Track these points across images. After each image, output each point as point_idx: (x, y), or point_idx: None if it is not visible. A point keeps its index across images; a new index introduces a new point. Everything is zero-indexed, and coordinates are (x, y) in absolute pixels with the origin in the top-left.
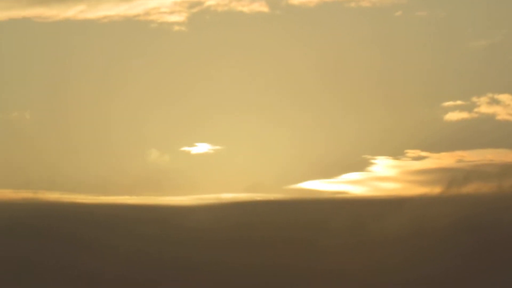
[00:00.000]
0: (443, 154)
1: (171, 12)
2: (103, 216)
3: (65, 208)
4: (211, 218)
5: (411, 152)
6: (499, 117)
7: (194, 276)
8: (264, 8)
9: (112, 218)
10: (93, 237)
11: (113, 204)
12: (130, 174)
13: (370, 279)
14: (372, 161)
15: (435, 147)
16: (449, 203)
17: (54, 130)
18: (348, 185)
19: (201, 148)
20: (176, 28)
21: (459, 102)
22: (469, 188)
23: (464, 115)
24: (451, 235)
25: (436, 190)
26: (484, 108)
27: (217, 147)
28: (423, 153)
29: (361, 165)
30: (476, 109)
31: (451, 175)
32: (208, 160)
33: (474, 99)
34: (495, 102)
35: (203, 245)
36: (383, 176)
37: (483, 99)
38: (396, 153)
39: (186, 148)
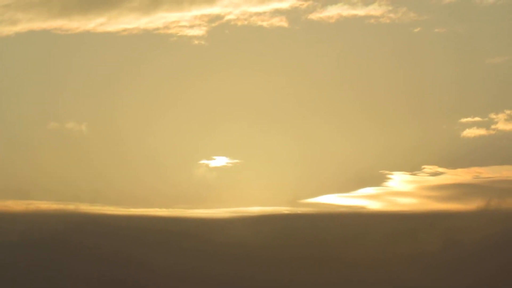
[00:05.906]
0: (459, 170)
1: (191, 26)
2: (135, 229)
3: (96, 220)
4: (244, 231)
5: (428, 168)
6: None
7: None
8: (284, 23)
9: (142, 230)
10: (125, 248)
11: (142, 216)
12: (157, 188)
13: None
14: (389, 176)
15: (452, 163)
16: (468, 219)
17: (82, 146)
18: (365, 199)
19: (219, 161)
20: (196, 42)
21: (477, 119)
22: (487, 204)
23: (481, 131)
24: (471, 251)
25: (453, 205)
26: (502, 125)
27: (236, 161)
28: (440, 169)
29: (378, 180)
30: (493, 126)
31: (469, 192)
32: (227, 174)
33: (492, 115)
34: None
35: (235, 258)
36: (400, 191)
37: (501, 116)
38: (413, 168)
39: (204, 161)
